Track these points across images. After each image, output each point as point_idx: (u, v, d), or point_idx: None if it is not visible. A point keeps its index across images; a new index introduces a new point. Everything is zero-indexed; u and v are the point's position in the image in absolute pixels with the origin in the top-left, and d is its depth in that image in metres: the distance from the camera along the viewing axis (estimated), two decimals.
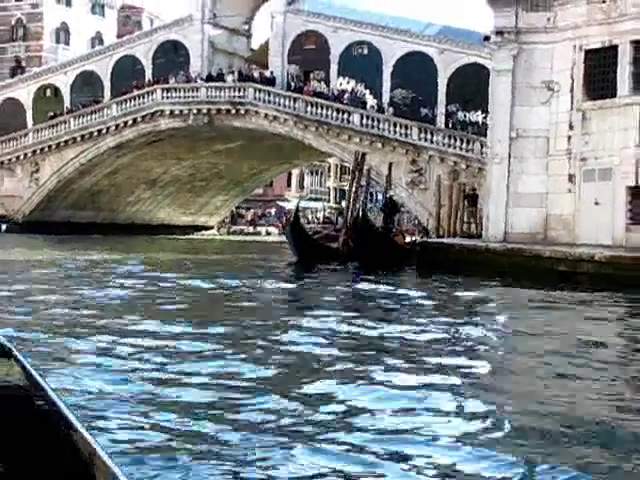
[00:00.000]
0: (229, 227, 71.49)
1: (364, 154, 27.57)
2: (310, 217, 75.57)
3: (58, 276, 19.66)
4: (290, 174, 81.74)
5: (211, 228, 65.26)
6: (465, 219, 31.39)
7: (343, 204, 39.25)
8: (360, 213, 25.22)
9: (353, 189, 26.67)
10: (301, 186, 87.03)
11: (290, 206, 74.46)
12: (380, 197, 40.00)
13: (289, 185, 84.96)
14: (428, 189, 41.91)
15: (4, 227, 50.41)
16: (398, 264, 25.09)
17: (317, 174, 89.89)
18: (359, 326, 11.34)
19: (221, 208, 65.81)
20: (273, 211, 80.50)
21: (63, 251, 30.99)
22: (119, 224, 54.80)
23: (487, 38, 26.10)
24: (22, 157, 52.78)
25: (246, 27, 55.09)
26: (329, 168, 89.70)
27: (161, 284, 17.91)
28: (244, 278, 19.69)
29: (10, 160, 53.16)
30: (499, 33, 25.01)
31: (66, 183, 52.19)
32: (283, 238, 34.12)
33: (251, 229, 73.82)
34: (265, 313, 13.60)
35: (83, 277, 19.59)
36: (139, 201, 57.95)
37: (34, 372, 2.25)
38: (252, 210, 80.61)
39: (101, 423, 5.60)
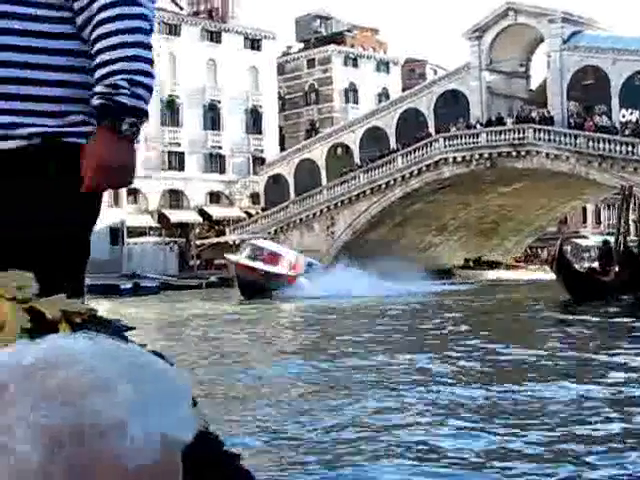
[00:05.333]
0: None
1: (631, 187, 27.32)
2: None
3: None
4: (585, 209, 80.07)
5: None
6: None
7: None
8: (622, 246, 25.03)
9: (622, 223, 26.48)
10: (597, 221, 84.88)
11: (586, 242, 73.25)
12: None
13: (584, 221, 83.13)
14: None
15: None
16: None
17: (615, 208, 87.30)
18: None
19: (513, 249, 65.91)
20: (569, 248, 78.89)
21: None
22: None
23: None
24: (318, 213, 56.11)
25: (523, 69, 55.52)
26: None
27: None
28: None
29: (308, 217, 56.68)
30: None
31: (359, 234, 54.83)
32: None
33: (547, 268, 72.63)
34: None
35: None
36: (430, 247, 59.43)
37: None
38: (547, 249, 79.57)
39: None
